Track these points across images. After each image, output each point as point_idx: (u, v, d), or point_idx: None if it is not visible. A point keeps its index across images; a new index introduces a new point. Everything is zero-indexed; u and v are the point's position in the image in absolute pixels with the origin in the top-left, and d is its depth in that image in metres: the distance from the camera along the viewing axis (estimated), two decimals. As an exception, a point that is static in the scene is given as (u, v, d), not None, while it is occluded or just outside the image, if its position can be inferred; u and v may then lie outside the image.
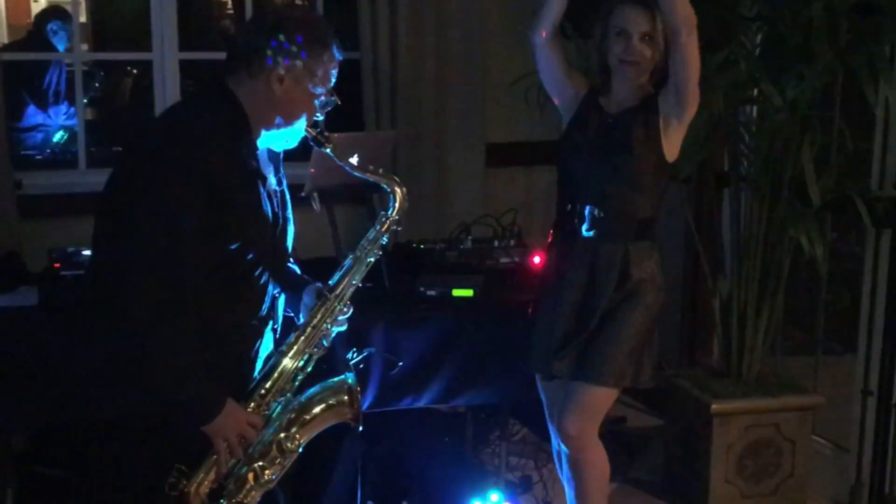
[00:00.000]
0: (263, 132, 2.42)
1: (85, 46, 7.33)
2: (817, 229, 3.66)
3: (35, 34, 6.24)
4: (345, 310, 2.55)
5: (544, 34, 3.17)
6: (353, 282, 2.56)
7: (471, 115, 4.75)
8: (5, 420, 3.35)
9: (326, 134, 2.48)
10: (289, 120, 2.41)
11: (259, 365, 2.50)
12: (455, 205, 4.69)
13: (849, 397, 4.00)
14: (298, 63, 2.35)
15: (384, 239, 2.59)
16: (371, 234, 2.58)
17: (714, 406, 3.82)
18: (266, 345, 2.51)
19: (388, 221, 2.58)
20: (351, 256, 2.58)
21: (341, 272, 2.56)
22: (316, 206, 3.74)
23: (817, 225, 3.68)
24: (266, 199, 2.42)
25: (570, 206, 3.18)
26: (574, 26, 3.75)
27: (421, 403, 3.70)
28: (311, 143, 2.49)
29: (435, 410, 4.04)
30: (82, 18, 6.58)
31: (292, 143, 2.49)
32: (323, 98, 2.43)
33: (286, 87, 2.36)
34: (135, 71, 7.45)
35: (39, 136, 6.29)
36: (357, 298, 2.61)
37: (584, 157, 3.15)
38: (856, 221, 3.65)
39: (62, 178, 4.66)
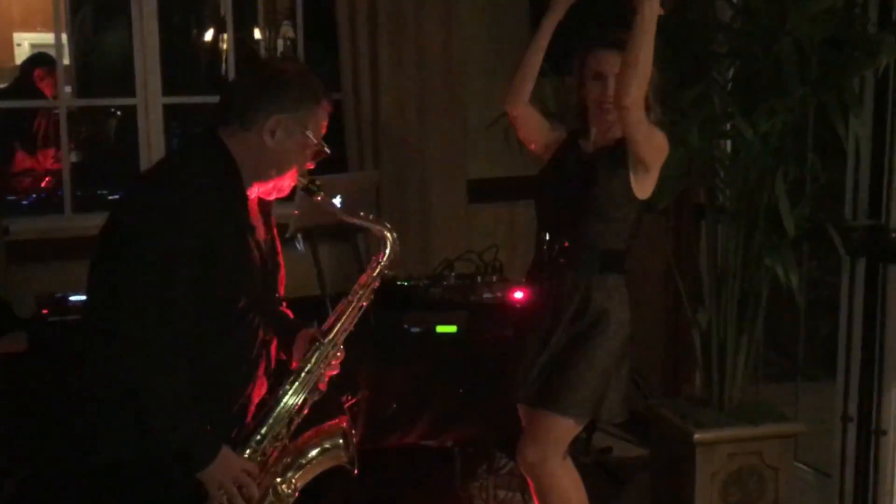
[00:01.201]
0: (255, 182, 2.47)
1: (68, 89, 7.38)
2: (792, 259, 3.72)
3: (22, 80, 6.28)
4: (338, 354, 2.59)
5: (519, 108, 3.25)
6: (346, 327, 2.60)
7: (452, 152, 4.82)
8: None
9: (318, 183, 2.53)
10: (281, 171, 2.47)
11: (252, 410, 2.53)
12: (438, 241, 4.75)
13: (830, 423, 4.05)
14: (290, 116, 2.41)
15: (376, 284, 2.63)
16: (363, 280, 2.62)
17: (697, 435, 3.85)
18: (259, 389, 2.54)
19: (379, 267, 2.62)
20: (344, 301, 2.61)
21: (334, 316, 2.60)
22: (300, 246, 3.79)
23: (792, 255, 3.74)
24: (255, 248, 2.47)
25: (544, 236, 3.26)
26: (550, 64, 3.82)
27: (409, 440, 3.74)
28: (303, 192, 2.54)
29: (422, 446, 4.07)
30: (66, 61, 6.62)
31: (284, 193, 2.54)
32: (314, 149, 2.48)
33: (278, 139, 2.42)
34: (118, 112, 7.49)
35: (27, 181, 6.32)
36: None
37: (556, 190, 3.22)
38: (831, 251, 3.70)
39: (48, 222, 4.70)
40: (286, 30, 7.98)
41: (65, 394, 3.04)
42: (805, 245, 3.97)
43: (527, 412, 3.33)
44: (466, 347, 3.75)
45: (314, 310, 3.38)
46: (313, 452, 2.58)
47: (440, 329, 3.77)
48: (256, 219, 2.54)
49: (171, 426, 2.32)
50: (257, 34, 8.32)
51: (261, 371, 2.54)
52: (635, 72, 2.98)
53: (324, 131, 2.51)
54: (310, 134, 2.45)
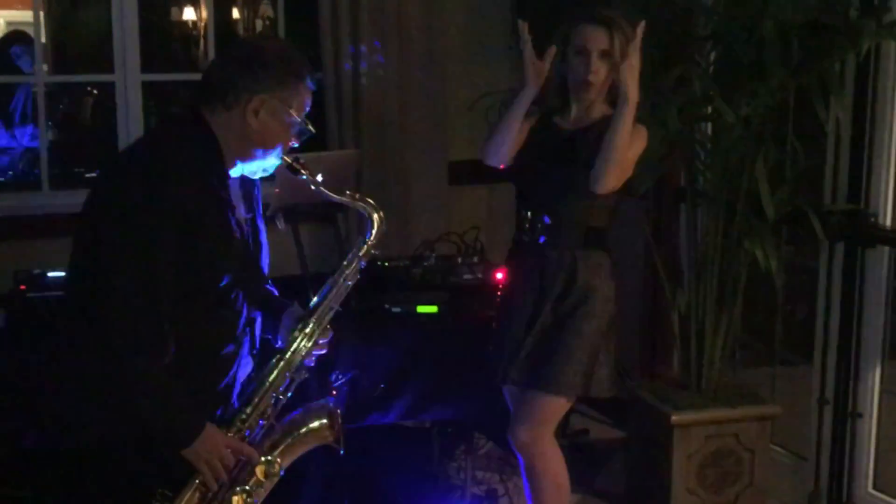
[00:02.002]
0: (239, 162, 2.45)
1: (45, 67, 7.31)
2: (772, 243, 3.74)
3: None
4: (324, 333, 2.58)
5: (503, 159, 3.26)
6: (332, 306, 2.58)
7: (433, 133, 4.81)
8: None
9: (302, 161, 2.52)
10: (265, 150, 2.44)
11: (238, 389, 2.52)
12: (418, 222, 4.74)
13: (806, 407, 4.08)
14: (274, 95, 2.39)
15: (362, 263, 2.61)
16: (350, 259, 2.61)
17: (674, 417, 3.88)
18: (244, 369, 2.53)
19: (366, 247, 2.61)
20: (330, 281, 2.60)
21: (320, 296, 2.58)
22: (280, 225, 3.78)
23: (772, 239, 3.76)
24: (236, 227, 2.45)
25: (525, 214, 3.27)
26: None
27: (387, 420, 3.74)
28: (288, 171, 2.52)
29: (401, 426, 4.07)
30: (42, 39, 6.57)
31: (268, 172, 2.52)
32: (298, 127, 2.47)
33: (262, 119, 2.39)
34: (95, 91, 7.44)
35: (5, 159, 6.28)
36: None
37: (537, 168, 3.22)
38: (810, 235, 3.73)
39: (25, 199, 4.67)
40: (265, 9, 7.94)
41: (44, 371, 3.04)
42: (784, 229, 3.99)
43: (515, 393, 3.34)
44: (447, 328, 3.75)
45: (295, 289, 3.37)
46: (299, 432, 2.57)
47: (421, 309, 3.77)
48: (237, 198, 2.52)
49: (155, 404, 2.30)
50: (235, 13, 8.28)
51: (245, 350, 2.52)
52: (614, 162, 3.05)
53: (307, 108, 2.49)
54: (293, 113, 2.44)
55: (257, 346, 2.58)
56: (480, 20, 4.90)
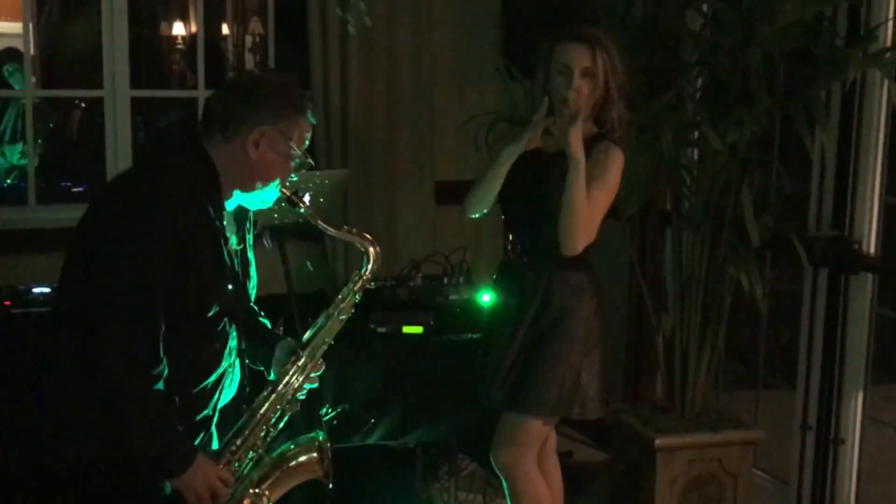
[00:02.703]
0: (237, 192, 2.46)
1: (33, 79, 7.30)
2: (756, 268, 3.75)
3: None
4: (317, 366, 2.58)
5: (486, 210, 3.28)
6: (326, 339, 2.59)
7: (420, 153, 4.82)
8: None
9: (300, 195, 2.53)
10: (265, 182, 2.46)
11: (216, 419, 2.52)
12: (405, 242, 4.75)
13: (789, 432, 4.09)
14: (274, 128, 2.40)
15: (357, 297, 2.62)
16: (345, 293, 2.62)
17: (658, 441, 3.88)
18: (224, 399, 2.53)
19: (361, 281, 2.62)
20: (324, 314, 2.61)
21: (314, 329, 2.59)
22: (267, 243, 3.78)
23: (756, 264, 3.77)
24: (227, 258, 2.45)
25: (507, 236, 3.31)
26: (520, 68, 3.84)
27: (371, 441, 3.74)
28: (286, 204, 2.53)
29: (385, 447, 4.06)
30: (31, 52, 6.56)
31: (267, 204, 2.53)
32: (298, 160, 2.47)
33: (262, 151, 2.40)
34: (83, 105, 7.43)
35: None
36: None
37: (516, 191, 3.23)
38: (794, 261, 3.75)
39: (11, 214, 4.65)
40: (255, 25, 7.95)
41: (28, 386, 3.02)
42: (768, 254, 4.01)
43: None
44: (432, 348, 3.75)
45: (280, 308, 3.37)
46: (288, 465, 2.57)
47: (406, 329, 3.77)
48: (231, 228, 2.53)
49: (147, 431, 2.30)
50: (225, 29, 8.29)
51: (227, 382, 2.52)
52: (576, 224, 3.07)
53: (307, 141, 2.50)
54: (293, 145, 2.44)
55: (240, 377, 2.57)
56: (469, 41, 4.92)
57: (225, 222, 2.47)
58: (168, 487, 2.41)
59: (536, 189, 3.19)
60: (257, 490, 2.50)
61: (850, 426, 3.85)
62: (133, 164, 2.54)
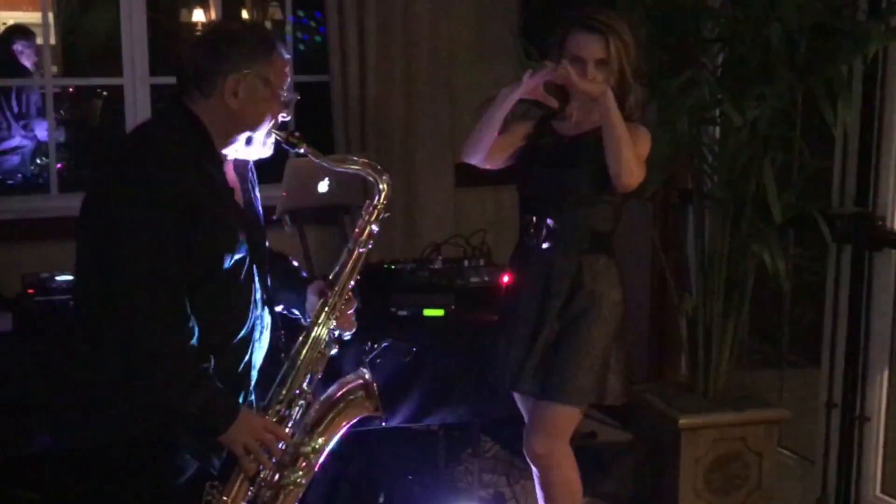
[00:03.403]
0: (231, 144, 2.43)
1: (55, 69, 7.33)
2: (779, 246, 3.73)
3: (1, 53, 6.22)
4: (349, 304, 2.56)
5: (489, 160, 3.23)
6: (351, 275, 2.56)
7: (439, 136, 4.82)
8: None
9: (297, 134, 2.49)
10: (255, 128, 2.43)
11: (255, 373, 2.51)
12: (425, 225, 4.75)
13: (814, 410, 4.07)
14: (247, 72, 2.37)
15: (374, 228, 2.58)
16: (361, 225, 2.58)
17: (682, 421, 3.87)
18: (258, 352, 2.51)
19: (375, 210, 2.58)
20: (346, 250, 2.58)
21: (338, 267, 2.56)
22: (287, 227, 3.79)
23: (779, 241, 3.75)
24: (234, 209, 2.44)
25: (528, 219, 3.24)
26: (538, 48, 3.81)
27: (394, 423, 3.74)
28: (285, 146, 2.50)
29: (407, 429, 4.08)
30: (51, 40, 6.58)
31: (267, 151, 2.49)
32: (283, 97, 2.44)
33: (241, 98, 2.37)
34: (105, 93, 7.46)
35: (15, 158, 6.28)
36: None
37: (539, 174, 3.20)
38: (817, 238, 3.72)
39: (34, 202, 4.68)
40: (273, 11, 7.96)
41: (57, 372, 3.04)
42: (791, 232, 3.98)
43: (524, 401, 3.31)
44: (454, 331, 3.75)
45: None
46: (338, 407, 2.56)
47: (427, 312, 3.77)
48: (234, 181, 2.50)
49: (186, 389, 2.28)
50: (244, 14, 8.30)
51: (259, 334, 2.51)
52: (627, 152, 3.00)
53: (287, 77, 2.45)
54: (273, 84, 2.40)
55: (272, 328, 2.55)
56: (486, 21, 4.90)
57: (224, 175, 2.44)
58: (215, 462, 2.42)
59: (562, 172, 3.15)
60: (311, 435, 2.49)
61: (876, 403, 3.82)
62: (121, 141, 2.51)
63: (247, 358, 2.47)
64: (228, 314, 2.42)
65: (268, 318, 2.55)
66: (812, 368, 4.18)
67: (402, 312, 3.78)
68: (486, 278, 4.00)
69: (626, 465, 4.38)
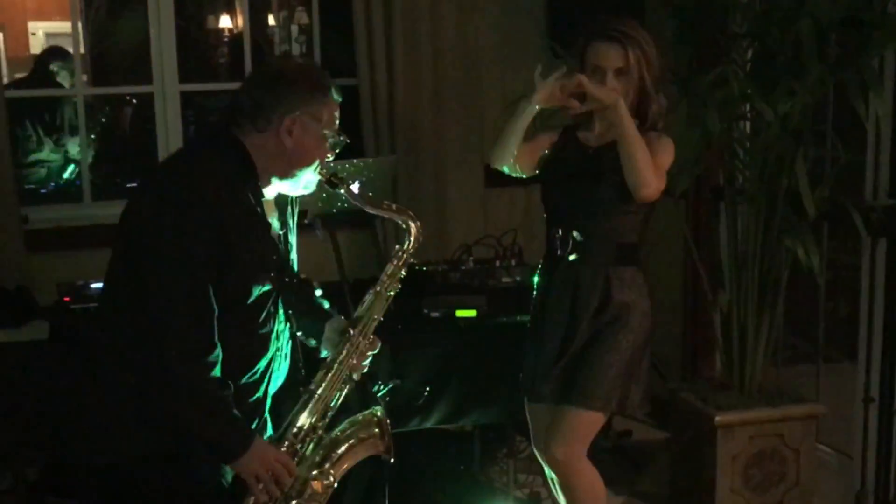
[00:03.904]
0: (276, 180, 2.47)
1: (84, 78, 7.38)
2: (813, 240, 3.70)
3: (39, 71, 6.29)
4: (372, 345, 2.60)
5: (509, 167, 3.24)
6: (375, 316, 2.60)
7: (469, 136, 4.81)
8: (19, 451, 3.39)
9: (340, 176, 2.54)
10: (304, 167, 2.47)
11: (269, 403, 2.54)
12: (456, 226, 4.74)
13: (851, 405, 4.04)
14: (304, 112, 2.41)
15: (402, 273, 2.63)
16: (389, 270, 2.63)
17: (718, 418, 3.85)
18: (275, 383, 2.55)
19: (404, 256, 2.62)
20: (371, 292, 2.62)
21: (363, 307, 2.61)
22: (319, 233, 3.80)
23: (813, 236, 3.72)
24: (269, 244, 2.47)
25: (554, 231, 3.23)
26: (564, 47, 3.81)
27: (428, 424, 3.75)
28: (326, 186, 2.54)
29: (442, 430, 4.08)
30: (81, 50, 6.63)
31: (309, 188, 2.54)
32: (331, 140, 2.48)
33: (296, 137, 2.42)
34: (135, 101, 7.50)
35: (45, 170, 6.34)
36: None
37: (564, 185, 3.20)
38: (852, 231, 3.69)
39: (67, 211, 4.72)
40: (300, 16, 7.97)
41: (86, 382, 3.06)
42: (824, 226, 3.95)
43: (542, 410, 3.29)
44: (486, 331, 3.75)
45: (333, 296, 3.39)
46: (349, 443, 2.59)
47: (460, 313, 3.77)
48: (272, 214, 2.54)
49: (204, 417, 2.33)
50: (271, 20, 8.32)
51: (276, 365, 2.53)
52: (643, 164, 3.00)
53: (337, 120, 2.51)
54: (325, 126, 2.46)
55: (291, 361, 2.58)
56: (514, 22, 4.89)
57: (265, 208, 2.48)
58: (228, 476, 2.45)
59: (587, 183, 3.15)
60: (321, 470, 2.51)
61: (914, 397, 3.79)
62: (168, 159, 2.54)
63: (264, 386, 2.51)
64: (251, 344, 2.45)
65: (287, 348, 2.58)
66: (849, 363, 4.15)
67: (435, 314, 3.79)
68: (518, 278, 3.99)
69: (662, 463, 4.37)
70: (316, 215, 3.75)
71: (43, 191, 6.21)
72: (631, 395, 3.17)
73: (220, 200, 2.32)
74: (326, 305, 2.72)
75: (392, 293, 2.63)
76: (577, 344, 3.16)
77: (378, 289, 2.62)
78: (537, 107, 3.14)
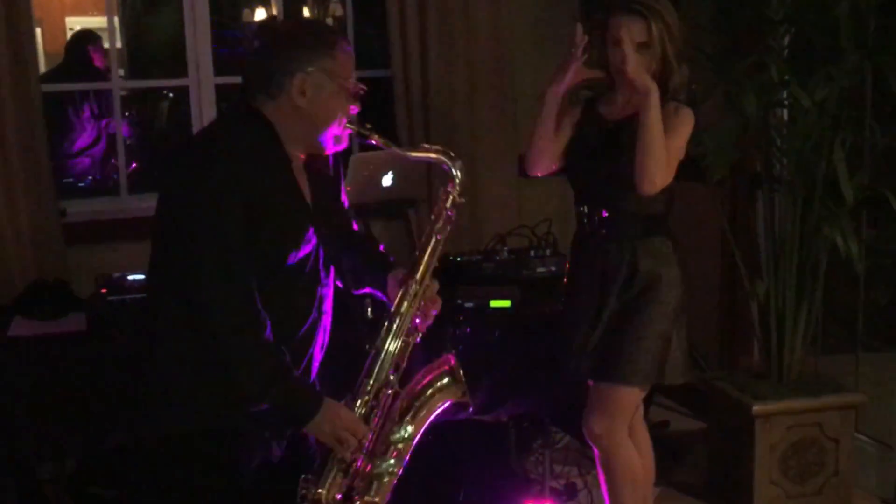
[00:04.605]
0: (304, 143, 2.45)
1: (122, 72, 7.44)
2: (851, 228, 3.66)
3: (72, 61, 6.33)
4: (430, 289, 2.55)
5: (546, 165, 3.24)
6: (430, 261, 2.55)
7: (502, 126, 4.80)
8: (59, 442, 3.43)
9: (369, 126, 2.49)
10: (327, 125, 2.43)
11: (316, 368, 2.53)
12: (490, 216, 4.73)
13: (891, 394, 3.99)
14: (313, 70, 2.37)
15: (450, 213, 2.57)
16: (437, 212, 2.58)
17: (756, 407, 3.82)
18: (320, 349, 2.53)
19: (449, 196, 2.57)
20: (423, 237, 2.58)
21: (417, 253, 2.56)
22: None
23: (851, 223, 3.68)
24: (301, 207, 2.45)
25: (582, 209, 3.24)
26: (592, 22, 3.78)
27: (463, 415, 3.74)
28: (358, 137, 2.51)
29: (477, 421, 4.07)
30: (118, 44, 6.68)
31: (342, 143, 2.50)
32: (350, 91, 2.44)
33: (310, 96, 2.38)
34: (171, 94, 7.55)
35: (86, 160, 6.39)
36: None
37: (586, 161, 3.19)
38: (891, 218, 3.64)
39: (105, 204, 4.75)
40: (334, 8, 7.98)
41: (127, 370, 3.09)
42: (863, 213, 3.91)
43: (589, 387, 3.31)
44: (521, 322, 3.74)
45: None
46: (426, 394, 2.56)
47: (494, 304, 3.76)
48: (302, 179, 2.50)
49: (266, 382, 2.31)
50: (306, 12, 8.35)
51: (321, 329, 2.52)
52: (654, 160, 2.98)
53: (352, 70, 2.45)
54: (339, 78, 2.40)
55: (337, 319, 2.57)
56: (548, 11, 4.87)
57: (297, 175, 2.45)
58: (277, 451, 2.46)
59: (609, 157, 3.14)
60: (400, 424, 2.50)
61: (955, 386, 3.75)
62: (190, 142, 2.53)
63: (309, 352, 2.50)
64: (292, 309, 2.44)
65: (328, 316, 2.56)
66: (889, 351, 4.10)
67: (469, 304, 3.78)
68: (553, 268, 3.98)
69: (699, 453, 4.34)
70: (349, 206, 3.75)
71: (81, 184, 6.27)
72: (668, 365, 3.17)
73: (245, 175, 2.30)
74: (391, 259, 2.67)
75: (442, 236, 2.56)
76: (609, 318, 3.17)
77: (428, 232, 2.57)
78: (562, 91, 3.12)
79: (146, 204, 4.48)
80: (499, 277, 3.94)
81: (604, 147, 3.15)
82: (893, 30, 3.47)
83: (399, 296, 2.53)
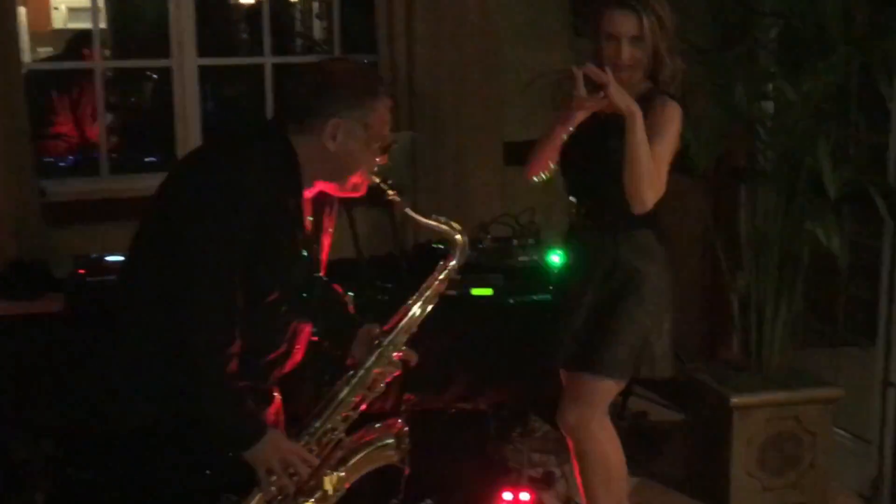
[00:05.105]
0: (321, 182, 2.45)
1: (107, 52, 7.37)
2: (834, 222, 3.67)
3: (68, 53, 6.29)
4: (408, 355, 2.59)
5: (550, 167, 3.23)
6: (410, 329, 2.59)
7: (488, 114, 4.77)
8: (35, 423, 3.40)
9: (390, 182, 2.51)
10: (350, 172, 2.44)
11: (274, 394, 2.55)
12: (473, 204, 4.71)
13: (870, 389, 4.01)
14: (350, 117, 2.37)
15: (443, 287, 2.62)
16: (431, 283, 2.61)
17: (734, 399, 3.83)
18: (281, 372, 2.54)
19: (447, 271, 2.61)
20: (409, 303, 2.60)
21: (397, 317, 2.59)
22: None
23: (834, 218, 3.69)
24: (301, 245, 2.46)
25: (571, 199, 3.26)
26: (584, 24, 3.77)
27: (442, 403, 3.74)
28: (376, 192, 2.51)
29: (456, 409, 4.06)
30: (102, 24, 6.61)
31: (359, 191, 2.50)
32: (380, 145, 2.45)
33: (340, 141, 2.38)
34: (155, 76, 7.48)
35: (63, 142, 6.34)
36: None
37: (577, 153, 3.19)
38: (873, 214, 3.65)
39: (85, 184, 4.71)
40: (320, -10, 7.93)
41: (101, 354, 3.07)
42: (846, 208, 3.92)
43: (566, 375, 3.32)
44: (502, 310, 3.73)
45: (349, 272, 3.38)
46: (366, 451, 2.57)
47: (476, 292, 3.76)
48: (308, 212, 2.51)
49: (219, 403, 2.32)
50: (292, -6, 8.29)
51: (286, 360, 2.53)
52: (642, 180, 2.99)
53: (387, 123, 2.46)
54: (373, 131, 2.41)
55: (303, 355, 2.57)
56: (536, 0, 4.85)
57: (302, 210, 2.46)
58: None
59: (597, 150, 3.15)
60: (334, 471, 2.50)
61: (934, 383, 3.76)
62: (215, 141, 2.51)
63: (273, 379, 2.51)
64: (264, 338, 2.44)
65: (300, 350, 2.56)
66: (868, 347, 4.11)
67: (451, 292, 3.74)
68: (535, 257, 3.98)
69: (678, 444, 4.35)
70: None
71: (61, 164, 6.21)
72: (646, 359, 3.19)
73: (263, 204, 2.31)
74: (352, 311, 2.71)
75: (430, 307, 2.60)
76: (587, 308, 3.19)
77: (416, 298, 2.60)
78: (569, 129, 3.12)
79: (127, 185, 4.44)
80: (481, 266, 3.93)
81: (594, 140, 3.15)
82: (880, 25, 3.47)
83: (368, 352, 2.55)
